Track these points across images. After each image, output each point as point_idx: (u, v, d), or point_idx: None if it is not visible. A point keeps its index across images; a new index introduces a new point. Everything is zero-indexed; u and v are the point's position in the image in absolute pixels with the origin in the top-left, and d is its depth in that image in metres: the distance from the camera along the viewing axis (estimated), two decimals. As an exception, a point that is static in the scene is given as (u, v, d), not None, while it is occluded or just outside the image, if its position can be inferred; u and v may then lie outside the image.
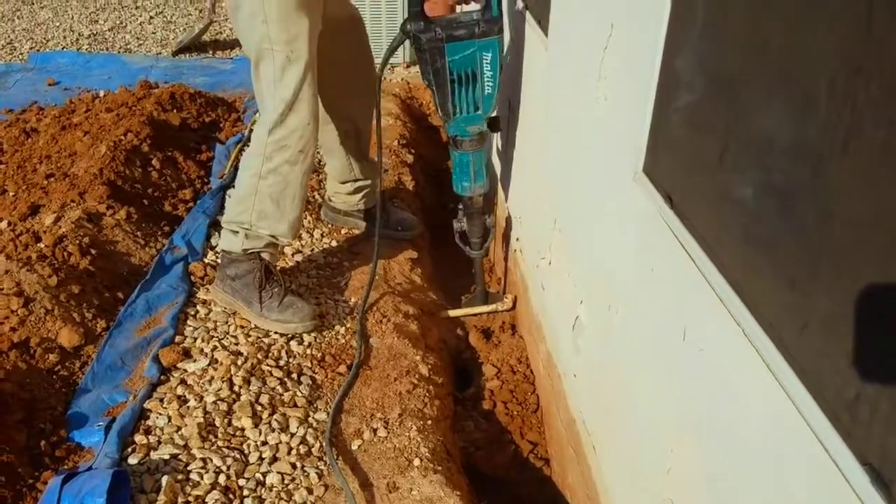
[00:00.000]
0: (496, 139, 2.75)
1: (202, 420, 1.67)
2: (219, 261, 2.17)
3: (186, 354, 1.90)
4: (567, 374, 1.77)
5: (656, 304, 1.16)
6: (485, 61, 1.96)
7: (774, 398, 0.77)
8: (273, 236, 2.01)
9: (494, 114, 2.14)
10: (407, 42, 1.97)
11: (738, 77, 0.82)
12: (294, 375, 1.86)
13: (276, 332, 2.00)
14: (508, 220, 2.55)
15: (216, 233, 2.42)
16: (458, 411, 2.10)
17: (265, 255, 2.03)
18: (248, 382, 1.79)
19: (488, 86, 2.01)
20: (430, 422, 1.80)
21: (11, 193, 2.69)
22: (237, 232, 2.00)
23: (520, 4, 2.32)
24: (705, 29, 0.93)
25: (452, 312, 2.45)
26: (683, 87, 0.99)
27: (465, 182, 2.20)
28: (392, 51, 2.05)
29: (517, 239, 2.41)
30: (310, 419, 1.74)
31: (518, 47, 2.32)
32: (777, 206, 0.75)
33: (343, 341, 2.04)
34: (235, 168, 2.81)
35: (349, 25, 2.20)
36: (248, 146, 3.00)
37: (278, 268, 2.14)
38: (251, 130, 3.12)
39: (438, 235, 2.97)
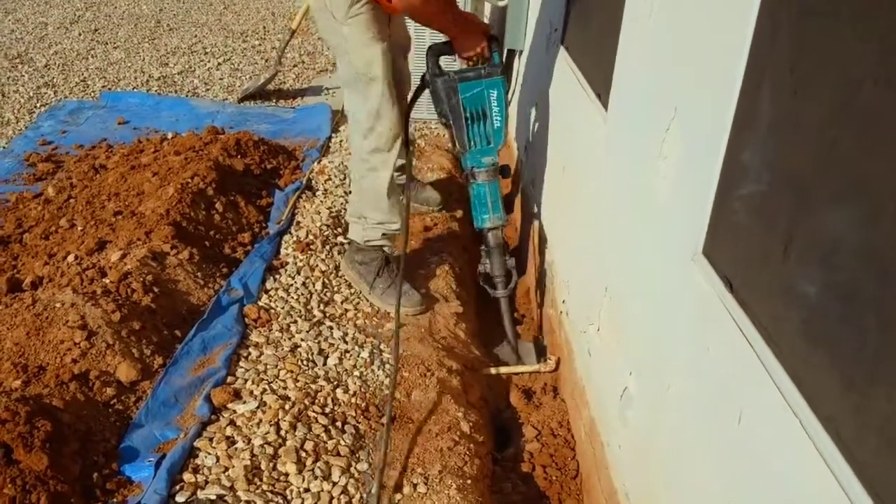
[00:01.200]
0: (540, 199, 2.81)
1: (249, 463, 1.71)
2: (346, 247, 2.69)
3: (237, 395, 1.95)
4: (611, 443, 1.76)
5: (710, 385, 1.17)
6: (492, 98, 2.33)
7: (830, 493, 0.78)
8: (381, 223, 2.43)
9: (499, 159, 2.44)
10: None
11: (805, 174, 0.85)
12: (339, 423, 1.89)
13: (328, 382, 2.05)
14: (548, 285, 2.58)
15: (271, 276, 2.51)
16: (497, 472, 2.09)
17: (385, 249, 2.49)
18: (295, 428, 1.83)
19: (496, 120, 2.36)
20: (469, 481, 1.80)
21: (80, 228, 2.84)
22: (358, 223, 2.47)
23: (571, 73, 2.40)
24: (774, 124, 0.96)
25: (495, 370, 2.46)
26: (749, 177, 1.02)
27: (483, 215, 2.42)
28: (416, 96, 2.47)
29: (563, 301, 2.43)
30: (352, 469, 1.76)
31: (569, 111, 2.39)
32: (840, 306, 0.76)
33: (387, 392, 2.06)
34: (293, 214, 2.92)
35: (404, 47, 2.66)
36: (306, 192, 3.12)
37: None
38: (309, 179, 3.25)
39: (484, 293, 3.00)
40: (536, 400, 2.36)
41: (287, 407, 1.90)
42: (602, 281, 1.90)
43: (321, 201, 3.08)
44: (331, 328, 2.31)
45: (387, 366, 2.18)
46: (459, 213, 3.30)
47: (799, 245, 0.87)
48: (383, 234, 2.46)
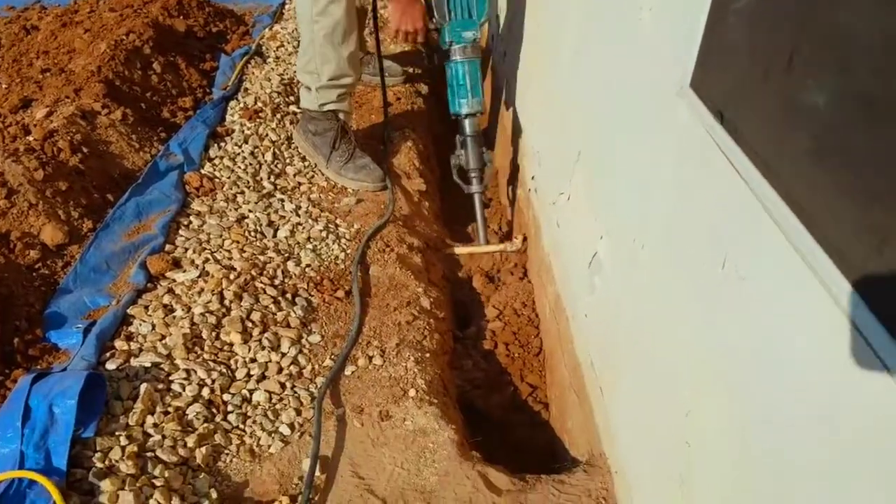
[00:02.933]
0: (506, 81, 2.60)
1: (188, 331, 1.57)
2: (299, 117, 2.44)
3: (176, 264, 1.79)
4: (576, 315, 1.67)
5: (694, 232, 1.05)
6: None
7: (837, 328, 0.67)
8: (334, 79, 2.17)
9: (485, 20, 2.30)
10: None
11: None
12: (289, 296, 1.76)
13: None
14: (519, 163, 2.42)
15: (215, 144, 2.29)
16: (458, 349, 2.01)
17: (341, 115, 2.27)
18: (240, 298, 1.69)
19: None
20: (428, 354, 1.70)
21: (4, 86, 2.55)
22: (310, 88, 2.22)
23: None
24: None
25: (459, 250, 2.34)
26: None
27: (460, 98, 2.24)
28: None
29: (532, 177, 2.28)
30: (303, 340, 1.64)
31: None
32: (859, 113, 0.63)
33: (342, 267, 1.92)
34: (240, 80, 2.67)
35: None
36: (256, 58, 2.85)
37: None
38: (259, 45, 2.96)
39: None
40: (501, 281, 2.25)
41: (232, 277, 1.75)
42: (575, 145, 1.75)
43: (272, 68, 2.81)
44: (282, 201, 2.13)
45: (342, 240, 2.03)
46: (424, 89, 3.08)
47: (806, 50, 0.72)
48: (339, 95, 2.24)
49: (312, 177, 2.31)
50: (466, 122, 2.25)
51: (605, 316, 1.44)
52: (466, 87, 2.22)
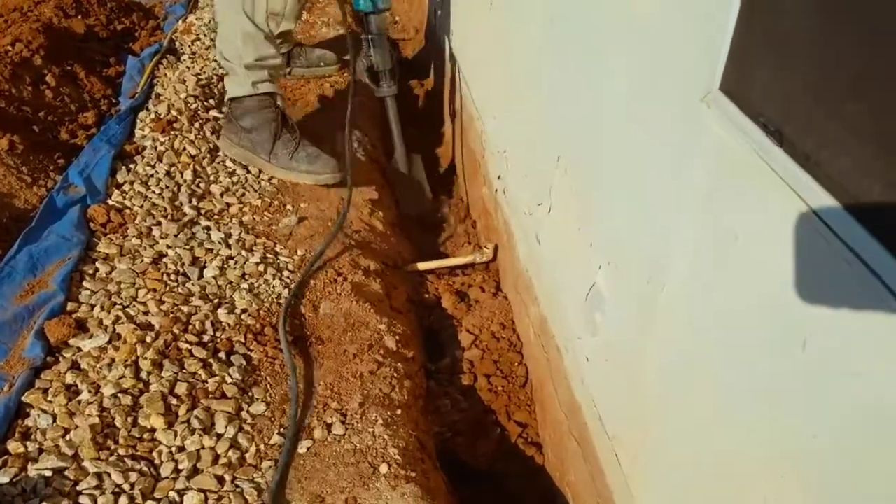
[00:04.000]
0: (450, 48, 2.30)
1: (97, 420, 1.25)
2: (224, 114, 2.12)
3: (81, 327, 1.46)
4: (572, 350, 1.40)
5: (742, 289, 0.78)
6: None
7: None
8: (261, 59, 1.93)
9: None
10: None
11: None
12: (222, 354, 1.44)
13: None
14: (479, 160, 2.13)
15: (123, 166, 1.93)
16: (431, 387, 1.73)
17: (279, 101, 2.01)
18: (160, 367, 1.37)
19: None
20: (399, 411, 1.42)
21: None
22: (237, 73, 1.95)
23: None
24: None
25: (422, 265, 2.05)
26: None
27: None
28: None
29: (499, 177, 2.00)
30: (243, 413, 1.34)
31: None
32: None
33: (287, 306, 1.62)
34: (150, 85, 2.30)
35: None
36: (168, 56, 2.47)
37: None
38: (172, 40, 2.58)
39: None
40: (473, 299, 1.98)
41: (149, 339, 1.43)
42: (553, 149, 1.47)
43: (187, 67, 2.44)
44: (207, 229, 1.80)
45: (285, 273, 1.72)
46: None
47: None
48: (270, 75, 1.98)
49: (243, 194, 1.97)
50: (371, 20, 2.11)
51: (615, 367, 1.17)
52: None
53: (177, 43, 2.62)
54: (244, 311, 1.57)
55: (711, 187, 0.84)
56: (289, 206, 1.97)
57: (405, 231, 2.25)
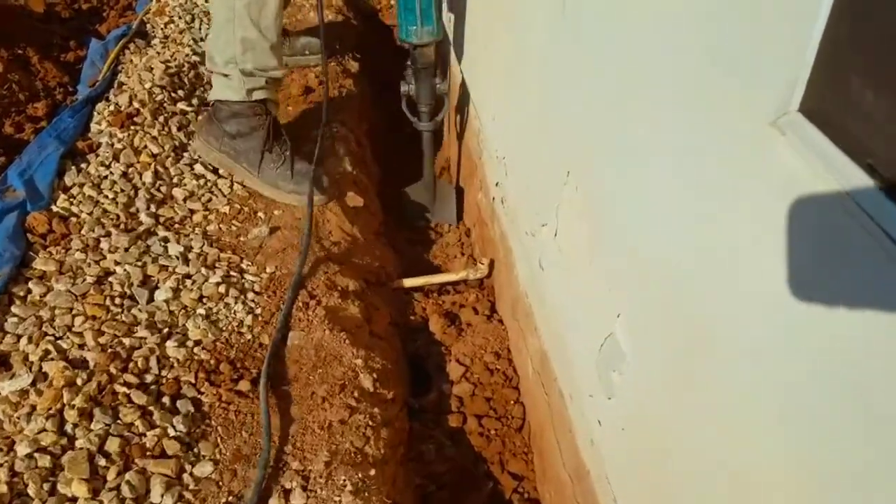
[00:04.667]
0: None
1: (5, 489, 1.04)
2: (206, 113, 1.86)
3: (2, 363, 1.24)
4: (577, 398, 1.19)
5: (820, 365, 0.56)
6: None
7: None
8: (264, 70, 1.70)
9: None
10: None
11: None
12: (166, 399, 1.23)
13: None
14: (476, 161, 1.91)
15: (73, 166, 1.70)
16: (414, 428, 1.52)
17: (271, 108, 1.79)
18: (90, 417, 1.16)
19: None
20: (373, 471, 1.21)
21: None
22: (228, 75, 1.69)
23: None
24: None
25: (408, 282, 1.83)
26: None
27: (410, 25, 1.80)
28: None
29: (497, 184, 1.77)
30: (185, 477, 1.12)
31: None
32: None
33: (250, 337, 1.40)
34: (113, 73, 2.06)
35: None
36: (137, 40, 2.24)
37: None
38: (143, 22, 2.35)
39: (391, 170, 2.32)
40: (464, 322, 1.76)
41: (80, 381, 1.21)
42: (562, 161, 1.24)
43: (157, 52, 2.20)
44: (165, 241, 1.58)
45: (249, 295, 1.50)
46: (355, 67, 2.51)
47: None
48: (266, 82, 1.73)
49: (210, 200, 1.75)
50: (416, 53, 1.89)
51: (635, 441, 0.96)
52: (416, 12, 1.77)
53: (148, 25, 2.37)
54: (198, 342, 1.36)
55: (784, 231, 0.62)
56: (260, 214, 1.75)
57: (391, 239, 2.03)
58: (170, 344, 1.33)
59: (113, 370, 1.24)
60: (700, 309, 0.77)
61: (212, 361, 1.32)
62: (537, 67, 1.40)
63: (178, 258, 1.54)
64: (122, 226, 1.59)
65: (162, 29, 2.37)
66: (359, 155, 2.12)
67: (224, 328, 1.40)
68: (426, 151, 2.06)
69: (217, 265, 1.55)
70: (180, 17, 2.45)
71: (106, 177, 1.71)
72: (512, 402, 1.56)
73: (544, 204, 1.34)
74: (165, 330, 1.36)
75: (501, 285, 1.76)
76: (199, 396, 1.26)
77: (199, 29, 2.41)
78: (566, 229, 1.23)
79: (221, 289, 1.48)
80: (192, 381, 1.28)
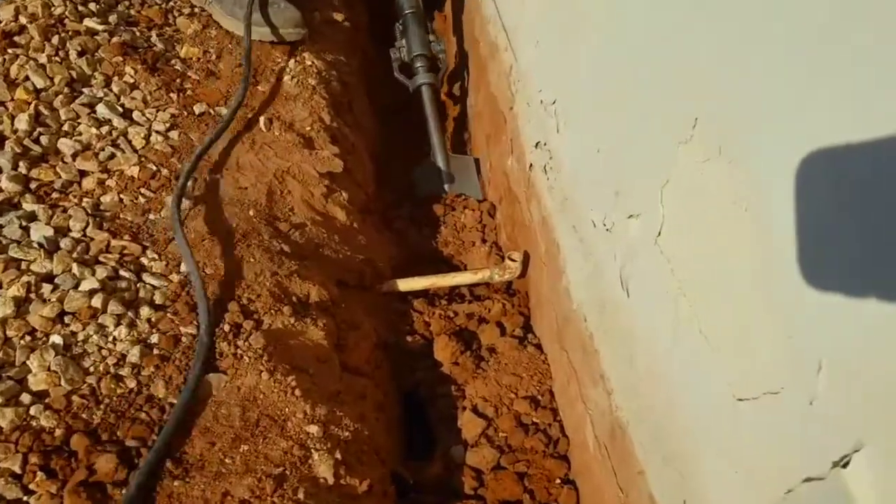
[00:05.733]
0: None
1: None
2: None
3: None
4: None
5: None
6: None
7: None
8: None
9: None
10: None
11: None
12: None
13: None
14: (502, 109, 1.32)
15: None
16: (406, 521, 0.97)
17: None
18: None
19: None
20: None
21: None
22: None
23: None
24: None
25: (405, 284, 1.26)
26: None
27: None
28: None
29: (539, 144, 1.19)
30: None
31: None
32: None
33: (132, 385, 0.85)
34: (-1, -23, 1.46)
35: None
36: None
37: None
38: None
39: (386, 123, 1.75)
40: (485, 347, 1.19)
41: None
42: (681, 105, 0.66)
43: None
44: (29, 219, 1.02)
45: (144, 312, 0.94)
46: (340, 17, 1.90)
47: None
48: None
49: (112, 156, 1.18)
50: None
51: None
52: None
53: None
54: (40, 398, 0.80)
55: None
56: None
57: (387, 222, 1.46)
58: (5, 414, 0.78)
59: None
60: None
61: (58, 433, 0.77)
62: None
63: (39, 247, 0.98)
64: (-35, 195, 1.03)
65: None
66: (342, 96, 1.53)
67: (91, 369, 0.85)
68: (428, 111, 1.67)
69: (102, 258, 0.99)
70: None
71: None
72: (557, 479, 1.01)
73: (635, 178, 0.76)
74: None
75: (541, 294, 1.19)
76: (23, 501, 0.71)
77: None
78: (686, 226, 0.66)
79: (97, 300, 0.92)
80: (18, 470, 0.73)
